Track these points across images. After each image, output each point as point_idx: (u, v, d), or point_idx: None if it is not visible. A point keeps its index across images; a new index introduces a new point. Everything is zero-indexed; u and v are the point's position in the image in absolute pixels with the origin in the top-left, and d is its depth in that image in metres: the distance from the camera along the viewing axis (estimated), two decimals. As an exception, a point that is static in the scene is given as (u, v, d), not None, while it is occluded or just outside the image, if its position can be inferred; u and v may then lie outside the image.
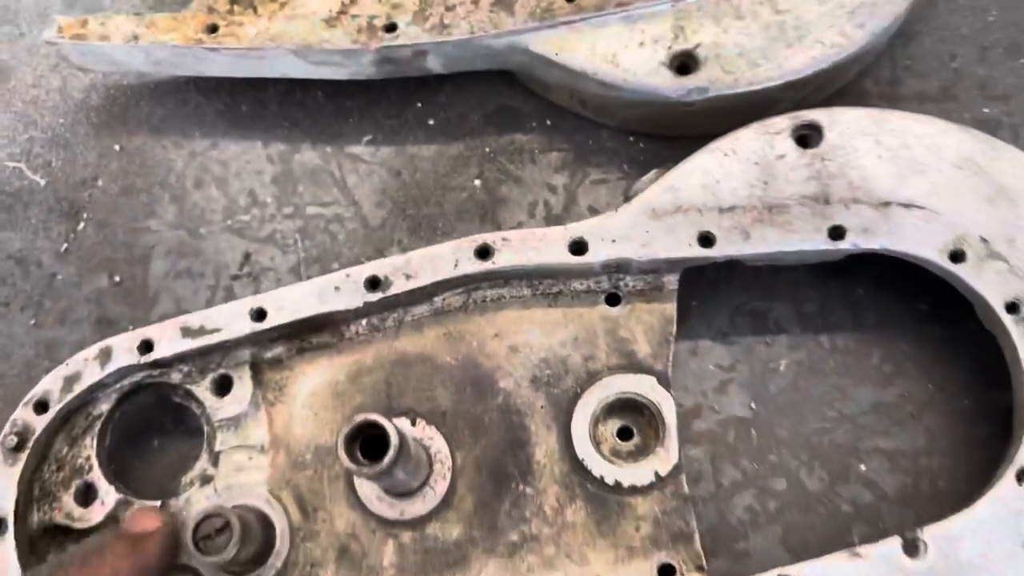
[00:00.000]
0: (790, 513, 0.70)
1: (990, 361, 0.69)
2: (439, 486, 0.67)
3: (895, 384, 0.72)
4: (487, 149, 0.81)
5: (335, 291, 0.68)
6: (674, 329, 0.69)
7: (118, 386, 0.70)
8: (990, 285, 0.65)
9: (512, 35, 0.74)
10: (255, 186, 0.82)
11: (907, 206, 0.67)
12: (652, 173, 0.71)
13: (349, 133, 0.83)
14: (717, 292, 0.75)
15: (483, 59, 0.77)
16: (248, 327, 0.68)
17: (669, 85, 0.72)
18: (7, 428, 0.67)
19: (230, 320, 0.68)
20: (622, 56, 0.73)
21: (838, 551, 0.61)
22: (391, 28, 0.75)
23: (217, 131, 0.84)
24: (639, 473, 0.66)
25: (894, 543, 0.61)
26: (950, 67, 0.80)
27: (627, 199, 0.70)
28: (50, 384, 0.68)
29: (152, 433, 0.75)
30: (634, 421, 0.69)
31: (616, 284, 0.71)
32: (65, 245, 0.82)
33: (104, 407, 0.70)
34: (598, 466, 0.67)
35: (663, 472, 0.66)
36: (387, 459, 0.56)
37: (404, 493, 0.67)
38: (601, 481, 0.66)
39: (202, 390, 0.70)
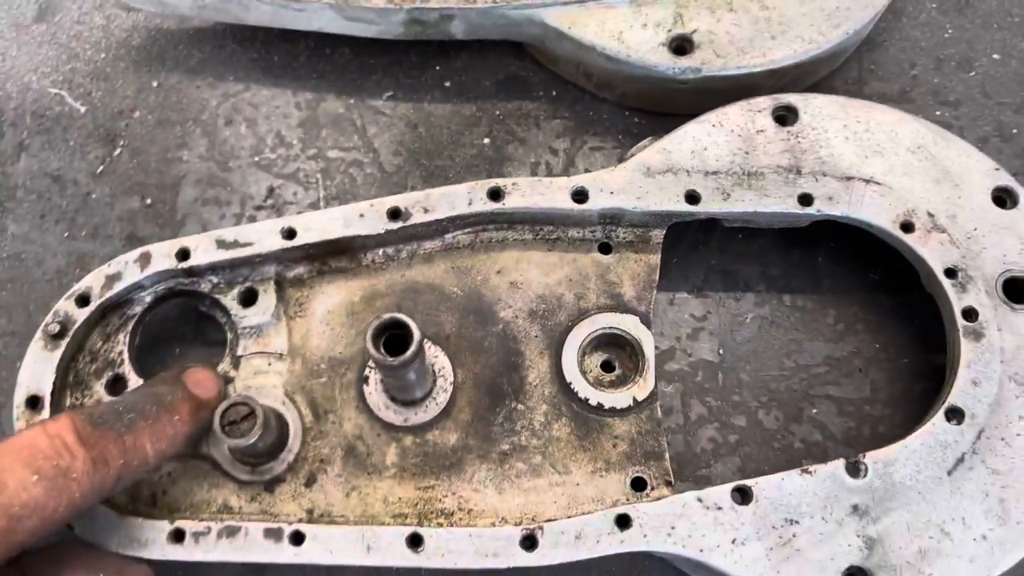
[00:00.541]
0: (748, 446, 0.79)
1: (928, 327, 0.80)
2: (440, 397, 0.75)
3: (845, 341, 0.82)
4: (496, 112, 0.90)
5: (359, 218, 0.76)
6: (657, 277, 0.78)
7: (153, 289, 0.76)
8: (933, 253, 0.75)
9: (531, 8, 0.83)
10: (282, 128, 0.89)
11: (867, 181, 0.77)
12: (647, 139, 0.80)
13: (371, 88, 0.91)
14: (695, 251, 0.84)
15: (501, 28, 0.86)
16: (278, 244, 0.75)
17: (667, 63, 0.82)
18: (50, 317, 0.73)
19: (262, 236, 0.75)
20: (627, 35, 0.82)
21: (790, 470, 0.70)
22: (423, -8, 0.83)
23: (250, 77, 0.91)
24: (619, 397, 0.75)
25: (839, 464, 0.70)
26: (909, 74, 0.91)
27: (622, 162, 0.79)
28: (92, 280, 0.74)
29: (174, 341, 0.82)
30: (616, 356, 0.78)
31: (608, 234, 0.79)
32: (101, 167, 0.88)
33: (138, 308, 0.76)
34: (583, 389, 0.75)
35: (640, 398, 0.75)
36: (410, 350, 0.63)
37: (409, 402, 0.74)
38: (585, 402, 0.75)
39: (229, 300, 0.76)
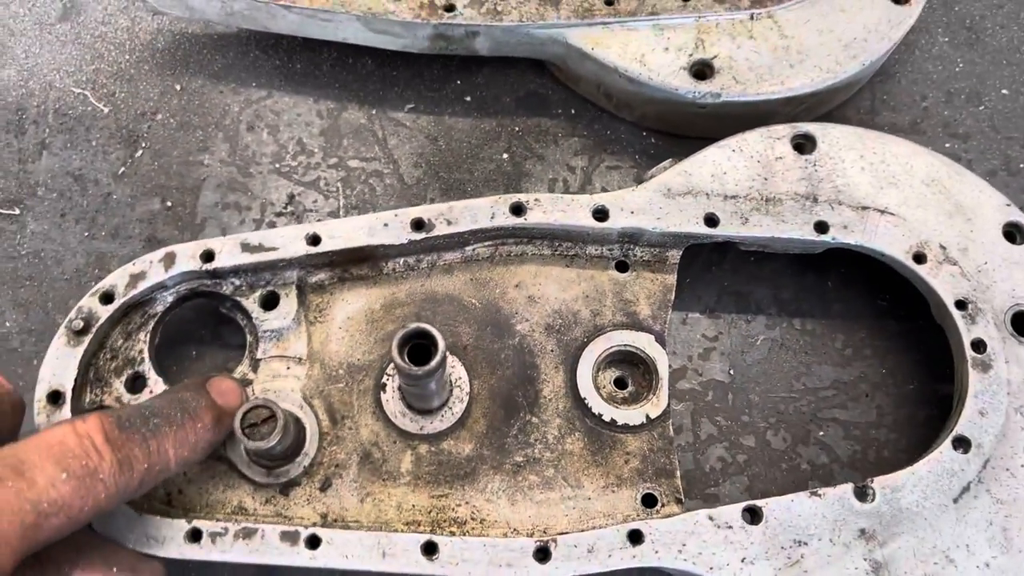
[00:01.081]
0: (756, 466, 0.80)
1: (934, 355, 0.81)
2: (456, 407, 0.76)
3: (853, 366, 0.83)
4: (516, 128, 0.91)
5: (383, 227, 0.77)
6: (673, 297, 0.79)
7: (175, 289, 0.77)
8: (944, 285, 0.77)
9: (555, 27, 0.85)
10: (304, 136, 0.90)
11: (881, 212, 0.78)
12: (668, 161, 0.81)
13: (393, 100, 0.92)
14: (708, 272, 0.86)
15: (525, 46, 0.87)
16: (303, 249, 0.76)
17: (687, 87, 0.83)
18: (73, 313, 0.73)
19: (287, 241, 0.76)
20: (649, 57, 0.84)
21: (799, 492, 0.71)
22: (450, 8, 0.85)
23: (273, 84, 0.92)
24: (632, 414, 0.76)
25: (847, 488, 0.71)
26: (920, 105, 0.93)
27: (641, 182, 0.81)
28: (117, 279, 0.75)
29: (191, 344, 0.83)
30: (630, 373, 0.79)
31: (626, 253, 0.80)
32: (122, 168, 0.89)
33: (160, 307, 0.77)
34: (597, 405, 0.76)
35: (653, 415, 0.76)
36: (435, 360, 0.64)
37: (425, 411, 0.75)
38: (599, 418, 0.76)
39: (250, 303, 0.77)
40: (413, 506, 0.73)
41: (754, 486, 0.80)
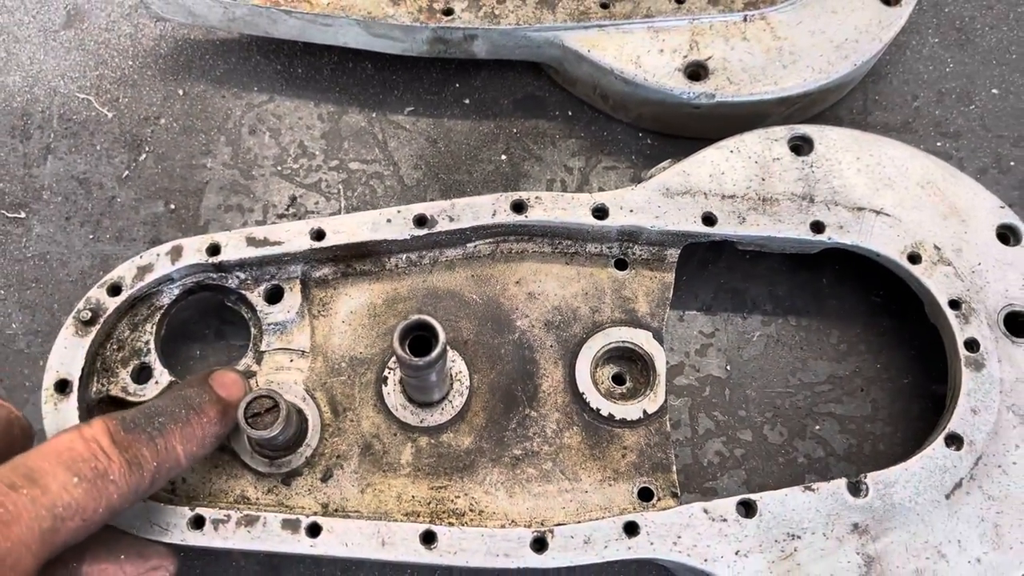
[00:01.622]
0: (753, 460, 0.81)
1: (927, 350, 0.82)
2: (456, 401, 0.76)
3: (848, 361, 0.84)
4: (514, 130, 0.93)
5: (387, 223, 0.78)
6: (671, 294, 0.80)
7: (182, 282, 0.78)
8: (938, 285, 0.78)
9: (551, 30, 0.86)
10: (305, 139, 0.92)
11: (877, 213, 0.79)
12: (667, 162, 0.82)
13: (393, 103, 0.94)
14: (705, 270, 0.87)
15: (522, 49, 0.89)
16: (307, 244, 0.77)
17: (682, 88, 0.85)
18: (82, 304, 0.74)
19: (292, 236, 0.77)
20: (644, 59, 0.86)
21: (794, 486, 0.72)
22: (448, 12, 0.86)
23: (274, 88, 0.94)
24: (630, 409, 0.77)
25: (841, 483, 0.72)
26: (911, 105, 0.94)
27: (639, 182, 0.82)
28: (125, 271, 0.76)
29: (195, 342, 0.84)
30: (628, 369, 0.80)
31: (625, 251, 0.81)
32: (126, 172, 0.90)
33: (166, 300, 0.78)
34: (596, 400, 0.77)
35: (650, 411, 0.77)
36: (435, 351, 0.65)
37: (426, 403, 0.76)
38: (597, 413, 0.77)
39: (255, 296, 0.78)
40: (413, 497, 0.74)
41: (751, 480, 0.80)
